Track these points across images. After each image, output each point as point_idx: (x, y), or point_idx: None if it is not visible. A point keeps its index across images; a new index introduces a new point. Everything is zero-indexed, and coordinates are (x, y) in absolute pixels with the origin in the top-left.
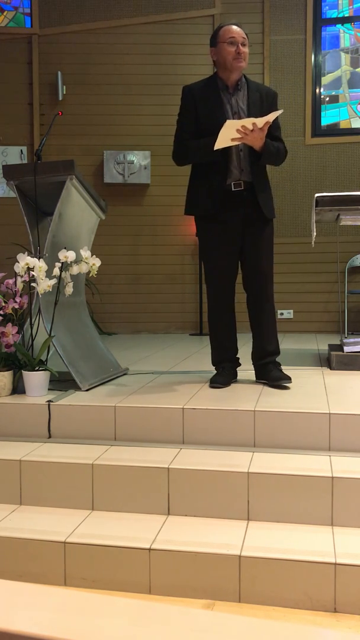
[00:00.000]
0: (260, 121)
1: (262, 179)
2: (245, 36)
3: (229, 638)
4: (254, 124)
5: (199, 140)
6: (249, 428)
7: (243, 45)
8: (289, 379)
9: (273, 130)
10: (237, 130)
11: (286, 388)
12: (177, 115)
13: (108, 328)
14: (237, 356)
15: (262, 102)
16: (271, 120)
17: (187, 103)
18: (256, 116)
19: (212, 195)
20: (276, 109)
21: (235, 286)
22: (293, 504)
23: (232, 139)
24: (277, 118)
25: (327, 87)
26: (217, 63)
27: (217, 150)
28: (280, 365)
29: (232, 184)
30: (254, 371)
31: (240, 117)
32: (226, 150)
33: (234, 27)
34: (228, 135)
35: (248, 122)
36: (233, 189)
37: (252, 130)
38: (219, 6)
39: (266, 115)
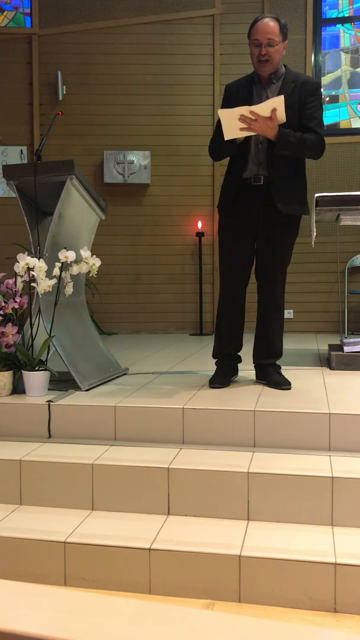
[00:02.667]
0: (260, 108)
1: (284, 173)
2: (272, 35)
3: (229, 638)
4: (253, 112)
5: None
6: (249, 428)
7: (269, 45)
8: (289, 384)
9: (305, 121)
10: (240, 120)
11: (286, 390)
12: None
13: (108, 328)
14: (239, 353)
15: (294, 91)
16: (277, 107)
17: (224, 100)
18: (286, 108)
19: (231, 188)
20: (314, 99)
21: (247, 284)
22: (293, 504)
23: (240, 129)
24: (312, 108)
25: (327, 87)
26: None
27: (232, 142)
28: (281, 367)
29: (252, 177)
30: (254, 371)
31: None
32: (245, 142)
33: (262, 25)
34: (233, 125)
35: (244, 110)
36: (253, 183)
37: (255, 120)
38: (219, 6)
39: (297, 105)
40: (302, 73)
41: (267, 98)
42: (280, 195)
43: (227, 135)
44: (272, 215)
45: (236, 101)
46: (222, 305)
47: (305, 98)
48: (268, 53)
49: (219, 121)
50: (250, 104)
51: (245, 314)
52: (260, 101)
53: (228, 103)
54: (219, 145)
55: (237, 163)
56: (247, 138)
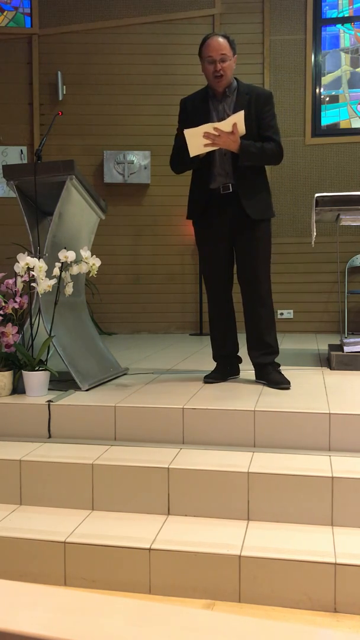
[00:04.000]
0: (224, 125)
1: (250, 181)
2: (225, 50)
3: (229, 638)
4: (216, 128)
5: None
6: (249, 428)
7: (222, 61)
8: (288, 383)
9: (262, 131)
10: (204, 136)
11: (286, 389)
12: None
13: (108, 328)
14: (238, 354)
15: (250, 104)
16: (238, 122)
17: (180, 115)
18: (244, 119)
19: (199, 200)
20: (269, 109)
21: (231, 286)
22: (293, 504)
23: (205, 145)
24: (267, 118)
25: (327, 87)
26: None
27: (196, 157)
28: (280, 366)
29: (221, 187)
30: (254, 371)
31: None
32: (210, 155)
33: (213, 43)
34: (197, 142)
35: (208, 127)
36: (222, 192)
37: (218, 135)
38: (219, 6)
39: (254, 116)
40: (252, 84)
41: (224, 111)
42: (249, 202)
43: (192, 152)
44: (244, 221)
45: (194, 116)
46: (211, 313)
47: (260, 109)
48: (222, 68)
49: (177, 136)
50: (208, 118)
51: (235, 315)
52: (218, 114)
53: (186, 118)
54: (181, 160)
55: (203, 175)
56: (212, 151)
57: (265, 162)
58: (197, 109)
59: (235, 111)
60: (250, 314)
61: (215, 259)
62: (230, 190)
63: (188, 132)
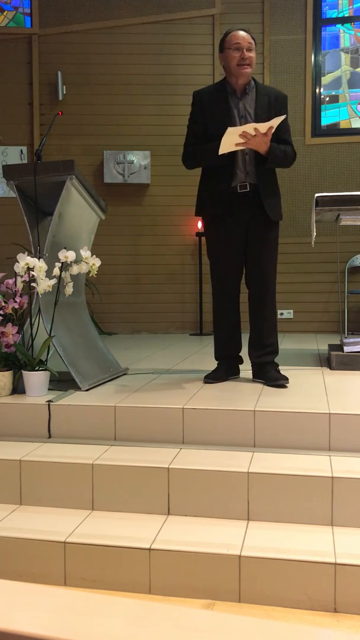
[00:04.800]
0: (263, 126)
1: (269, 182)
2: (251, 41)
3: (229, 638)
4: (256, 129)
5: (206, 144)
6: (249, 428)
7: (248, 50)
8: (286, 379)
9: (281, 134)
10: (240, 136)
11: (284, 387)
12: (188, 120)
13: (108, 328)
14: (240, 354)
15: (270, 105)
16: (275, 126)
17: (195, 108)
18: (263, 120)
19: (218, 198)
20: (285, 112)
21: (240, 286)
22: (293, 504)
23: (236, 144)
24: (286, 121)
25: (327, 87)
26: (225, 68)
27: (222, 154)
28: (279, 365)
29: (238, 185)
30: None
31: (247, 121)
32: (232, 153)
33: (240, 33)
34: (231, 140)
35: (249, 127)
36: (239, 191)
37: (254, 136)
38: (219, 6)
39: (273, 118)
40: (267, 85)
41: (245, 109)
42: (269, 203)
43: (223, 150)
44: (260, 221)
45: (212, 112)
46: (217, 313)
47: (278, 111)
48: (249, 57)
49: (192, 129)
50: (230, 116)
51: (240, 315)
52: (239, 112)
53: (201, 111)
54: (202, 156)
55: (224, 173)
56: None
57: (284, 165)
58: (216, 105)
59: (256, 110)
60: (256, 315)
61: (228, 258)
62: (248, 189)
63: (231, 130)
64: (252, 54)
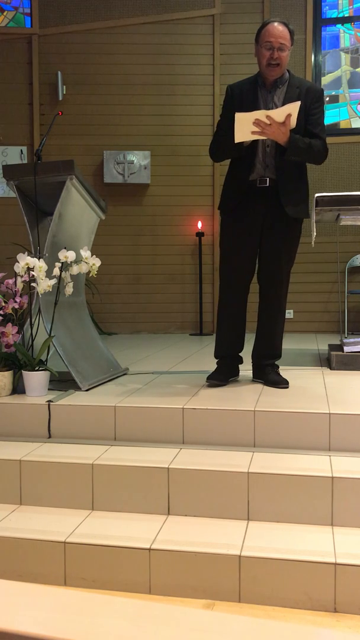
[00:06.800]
0: (276, 113)
1: (291, 177)
2: (285, 40)
3: (229, 638)
4: (270, 117)
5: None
6: (249, 428)
7: (280, 50)
8: (286, 382)
9: (311, 127)
10: (254, 124)
11: (284, 388)
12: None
13: (108, 328)
14: (240, 354)
15: (299, 98)
16: (293, 113)
17: (226, 101)
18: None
19: (236, 190)
20: (318, 105)
21: (249, 285)
22: (293, 504)
23: (253, 132)
24: (318, 115)
25: (327, 87)
26: (257, 62)
27: (240, 145)
28: (279, 367)
29: (258, 180)
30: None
31: None
32: (253, 145)
33: (274, 30)
34: (246, 128)
35: (261, 114)
36: (258, 185)
37: (269, 125)
38: (219, 6)
39: (302, 111)
40: (304, 78)
41: (273, 102)
42: (288, 198)
43: (238, 138)
44: (278, 218)
45: (240, 104)
46: (222, 310)
47: (310, 104)
48: (279, 57)
49: (220, 122)
50: (256, 107)
51: (246, 314)
52: (266, 105)
53: (232, 104)
54: (223, 146)
55: (243, 165)
56: (254, 141)
57: (310, 160)
58: (244, 96)
59: (284, 103)
60: (266, 317)
61: (240, 255)
62: (267, 184)
63: (239, 116)
64: (285, 53)
